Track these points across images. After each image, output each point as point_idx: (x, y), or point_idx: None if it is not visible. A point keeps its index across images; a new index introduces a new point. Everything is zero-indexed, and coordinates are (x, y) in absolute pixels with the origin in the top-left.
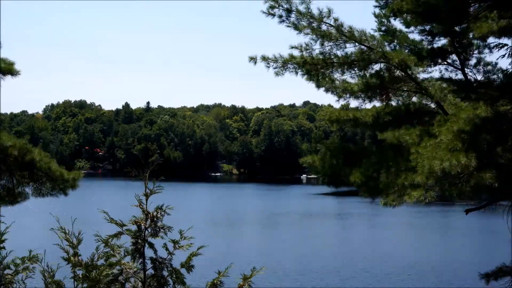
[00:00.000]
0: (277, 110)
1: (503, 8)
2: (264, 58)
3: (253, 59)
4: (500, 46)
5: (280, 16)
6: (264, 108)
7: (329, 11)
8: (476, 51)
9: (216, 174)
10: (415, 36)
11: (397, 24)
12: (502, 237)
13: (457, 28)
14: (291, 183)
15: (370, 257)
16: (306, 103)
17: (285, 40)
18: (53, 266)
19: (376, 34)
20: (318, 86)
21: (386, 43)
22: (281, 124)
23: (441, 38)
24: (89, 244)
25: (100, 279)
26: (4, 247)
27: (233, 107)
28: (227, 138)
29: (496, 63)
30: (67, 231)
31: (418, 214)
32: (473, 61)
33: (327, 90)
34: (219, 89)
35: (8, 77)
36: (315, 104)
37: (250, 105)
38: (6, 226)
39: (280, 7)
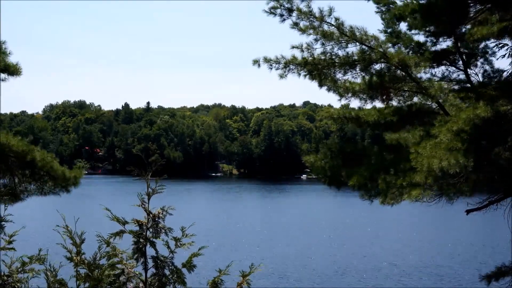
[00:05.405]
0: (277, 110)
1: (504, 10)
2: (266, 60)
3: (256, 62)
4: (501, 46)
5: (281, 15)
6: (264, 108)
7: (330, 10)
8: (478, 53)
9: (216, 174)
10: (420, 37)
11: (402, 26)
12: (502, 237)
13: (459, 30)
14: (292, 183)
15: (370, 257)
16: (306, 103)
17: (288, 40)
18: (55, 265)
19: (381, 35)
20: (321, 85)
21: (390, 45)
22: (281, 124)
23: (445, 39)
24: (91, 244)
25: (102, 278)
26: (13, 248)
27: (233, 107)
28: (227, 138)
29: (498, 69)
30: (70, 230)
31: (417, 214)
32: (475, 63)
33: (329, 89)
34: (219, 89)
35: (10, 77)
36: (315, 104)
37: (250, 105)
38: (14, 226)
39: (281, 7)
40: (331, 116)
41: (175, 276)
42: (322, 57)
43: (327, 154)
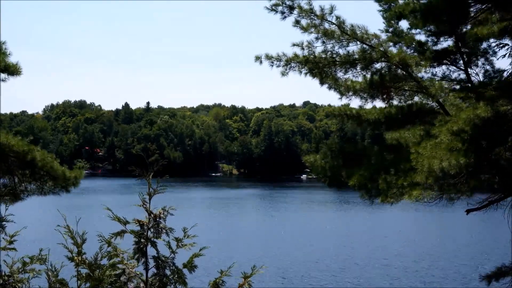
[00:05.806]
0: (277, 110)
1: (504, 10)
2: (268, 57)
3: (258, 59)
4: (501, 46)
5: (283, 13)
6: (264, 108)
7: (331, 8)
8: (478, 53)
9: (216, 174)
10: (421, 37)
11: (403, 25)
12: (502, 237)
13: (460, 30)
14: (292, 183)
15: (370, 257)
16: (306, 103)
17: (288, 40)
18: (57, 265)
19: (383, 35)
20: (322, 83)
21: (391, 44)
22: (281, 124)
23: (446, 39)
24: (92, 244)
25: (103, 278)
26: (15, 248)
27: (233, 107)
28: (227, 138)
29: (499, 69)
30: (71, 230)
31: (417, 213)
32: (476, 63)
33: (330, 88)
34: (219, 89)
35: (10, 77)
36: (315, 104)
37: (250, 105)
38: (15, 227)
39: (283, 4)
40: (332, 112)
41: (176, 276)
42: (323, 56)
43: (327, 154)
